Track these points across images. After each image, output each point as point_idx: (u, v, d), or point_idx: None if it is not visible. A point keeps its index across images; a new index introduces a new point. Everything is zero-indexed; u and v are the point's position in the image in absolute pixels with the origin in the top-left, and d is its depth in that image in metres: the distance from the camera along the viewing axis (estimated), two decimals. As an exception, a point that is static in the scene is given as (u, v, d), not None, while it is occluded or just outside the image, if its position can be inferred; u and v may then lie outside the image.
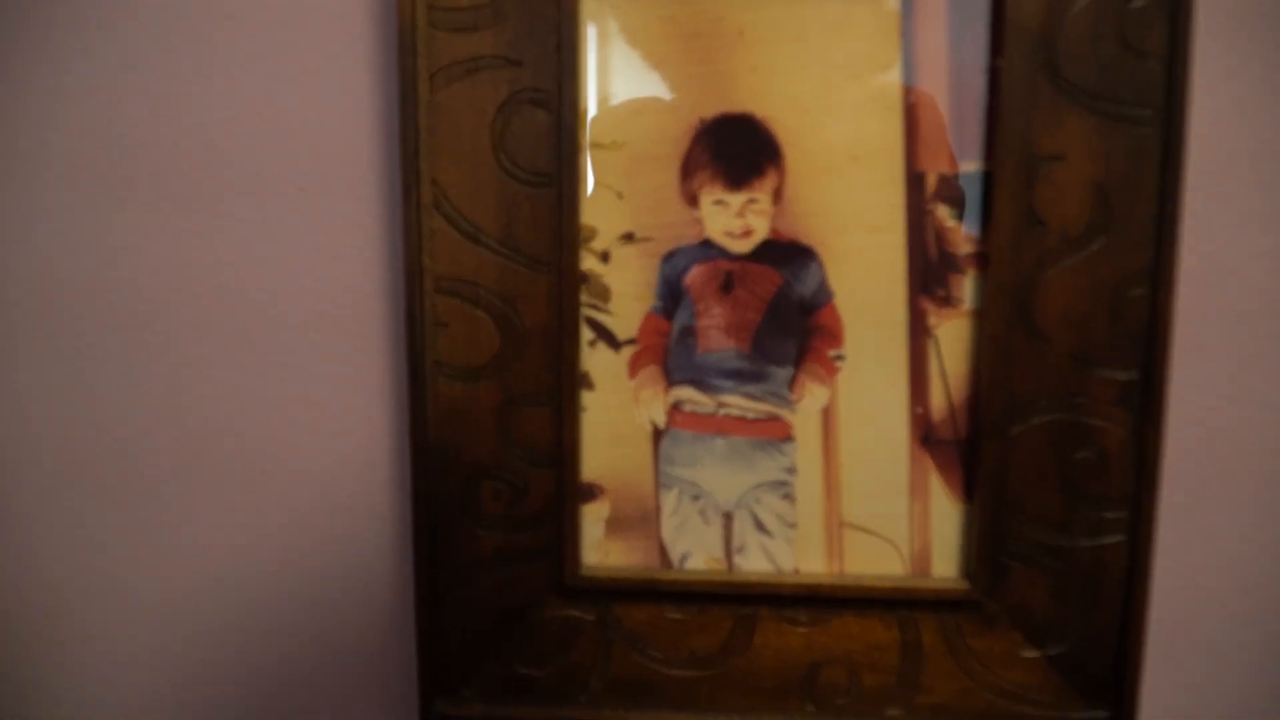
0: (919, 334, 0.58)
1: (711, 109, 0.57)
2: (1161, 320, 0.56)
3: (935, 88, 0.57)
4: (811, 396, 0.59)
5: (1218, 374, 0.59)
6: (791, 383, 0.59)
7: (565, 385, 0.59)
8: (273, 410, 0.63)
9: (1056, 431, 0.58)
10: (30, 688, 0.67)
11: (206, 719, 0.67)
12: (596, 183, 0.58)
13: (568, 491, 0.60)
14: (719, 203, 0.58)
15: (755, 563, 0.61)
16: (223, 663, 0.66)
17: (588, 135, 0.58)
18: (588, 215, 0.59)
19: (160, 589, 0.66)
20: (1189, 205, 0.57)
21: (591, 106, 0.58)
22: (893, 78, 0.57)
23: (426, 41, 0.57)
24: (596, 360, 0.60)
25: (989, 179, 0.56)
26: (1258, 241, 0.58)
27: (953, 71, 0.56)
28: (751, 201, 0.58)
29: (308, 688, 0.66)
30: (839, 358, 0.59)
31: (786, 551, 0.61)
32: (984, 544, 0.59)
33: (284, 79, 0.60)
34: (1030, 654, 0.60)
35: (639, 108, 0.58)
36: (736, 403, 0.60)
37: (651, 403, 0.60)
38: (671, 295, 0.59)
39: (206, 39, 0.60)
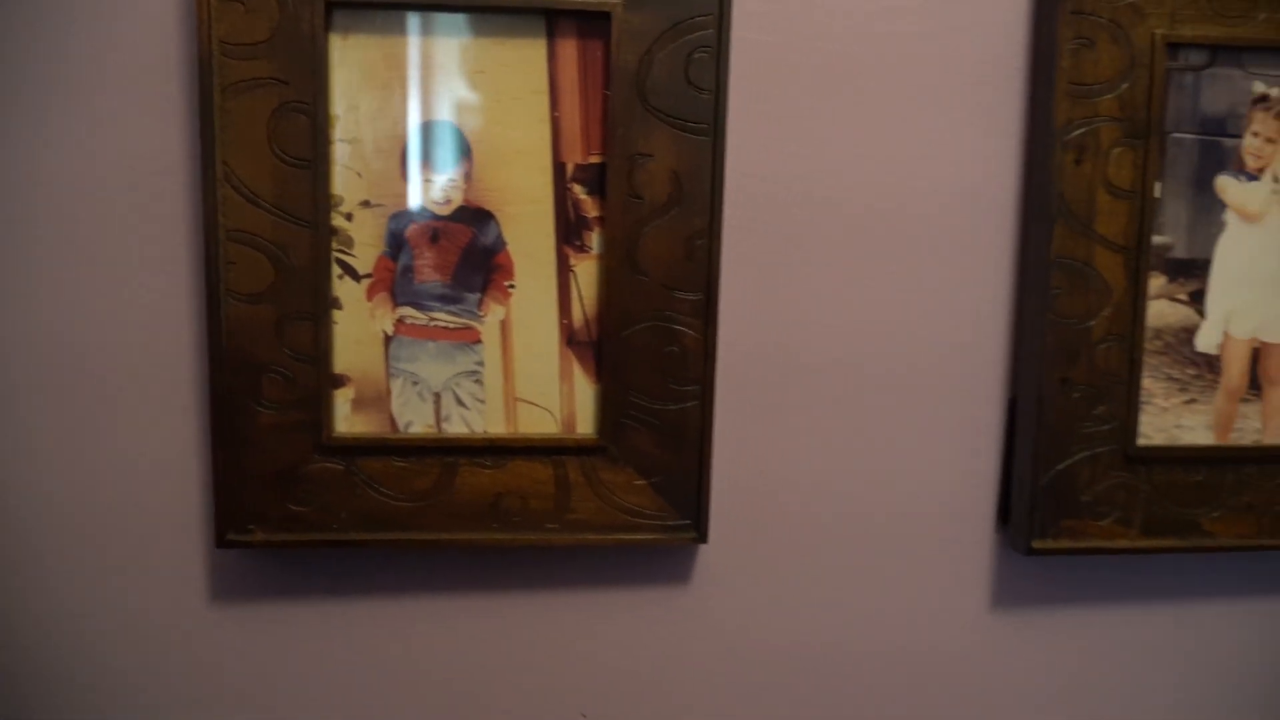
0: (564, 270, 0.88)
1: (422, 117, 0.86)
2: (714, 260, 0.87)
3: (571, 107, 0.86)
4: (493, 313, 0.88)
5: (755, 294, 0.91)
6: (479, 304, 0.88)
7: (321, 306, 0.85)
8: (104, 329, 0.87)
9: (653, 335, 0.88)
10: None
11: (49, 544, 0.90)
12: (343, 166, 0.85)
13: (324, 381, 0.86)
14: (428, 181, 0.86)
15: (457, 427, 0.89)
16: (64, 503, 0.89)
17: (337, 133, 0.85)
18: (337, 188, 0.85)
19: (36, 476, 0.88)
20: (729, 185, 0.89)
21: (340, 113, 0.85)
22: (543, 99, 0.86)
23: (220, 66, 0.82)
24: (344, 289, 0.87)
25: (605, 168, 0.86)
26: (780, 210, 0.90)
27: (581, 96, 0.86)
28: (450, 181, 0.86)
29: (136, 532, 0.90)
30: (511, 286, 0.88)
31: (478, 419, 0.90)
32: (609, 410, 0.89)
33: (111, 98, 0.84)
34: (640, 482, 0.90)
35: (373, 115, 0.85)
36: (442, 318, 0.88)
37: (383, 318, 0.88)
38: (396, 244, 0.87)
39: (54, 70, 0.83)
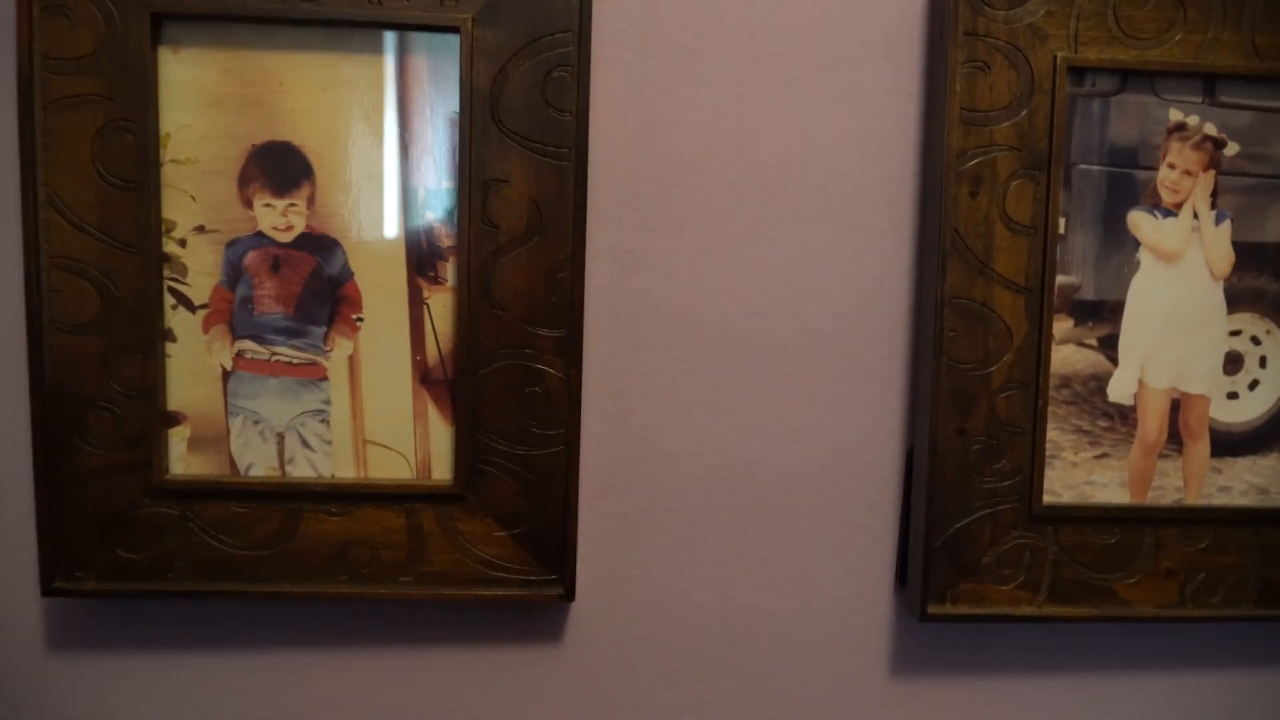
0: (417, 303, 0.82)
1: (261, 137, 0.79)
2: (578, 294, 0.81)
3: (422, 129, 0.80)
4: (340, 348, 0.82)
5: (619, 330, 0.84)
6: (325, 338, 0.82)
7: (152, 339, 0.80)
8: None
9: (513, 373, 0.82)
10: None
11: None
12: (175, 188, 0.79)
13: (156, 419, 0.81)
14: (267, 205, 0.80)
15: (302, 470, 0.83)
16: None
17: (167, 153, 0.79)
18: (168, 211, 0.79)
19: None
20: (591, 214, 0.82)
21: (171, 132, 0.79)
22: (391, 120, 0.80)
23: (42, 82, 0.76)
24: (178, 320, 0.81)
25: (458, 194, 0.80)
26: (647, 239, 0.83)
27: (432, 118, 0.80)
28: (292, 205, 0.80)
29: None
30: (360, 320, 0.82)
31: (325, 461, 0.83)
32: (466, 454, 0.82)
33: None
34: (501, 534, 0.84)
35: (207, 134, 0.79)
36: (285, 352, 0.82)
37: (221, 352, 0.82)
38: (234, 272, 0.81)
39: None
